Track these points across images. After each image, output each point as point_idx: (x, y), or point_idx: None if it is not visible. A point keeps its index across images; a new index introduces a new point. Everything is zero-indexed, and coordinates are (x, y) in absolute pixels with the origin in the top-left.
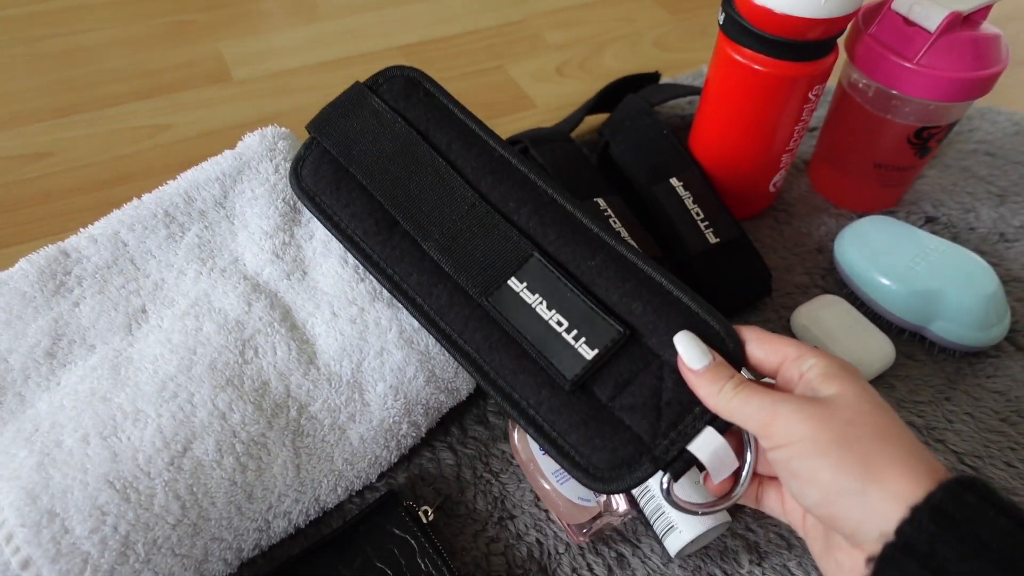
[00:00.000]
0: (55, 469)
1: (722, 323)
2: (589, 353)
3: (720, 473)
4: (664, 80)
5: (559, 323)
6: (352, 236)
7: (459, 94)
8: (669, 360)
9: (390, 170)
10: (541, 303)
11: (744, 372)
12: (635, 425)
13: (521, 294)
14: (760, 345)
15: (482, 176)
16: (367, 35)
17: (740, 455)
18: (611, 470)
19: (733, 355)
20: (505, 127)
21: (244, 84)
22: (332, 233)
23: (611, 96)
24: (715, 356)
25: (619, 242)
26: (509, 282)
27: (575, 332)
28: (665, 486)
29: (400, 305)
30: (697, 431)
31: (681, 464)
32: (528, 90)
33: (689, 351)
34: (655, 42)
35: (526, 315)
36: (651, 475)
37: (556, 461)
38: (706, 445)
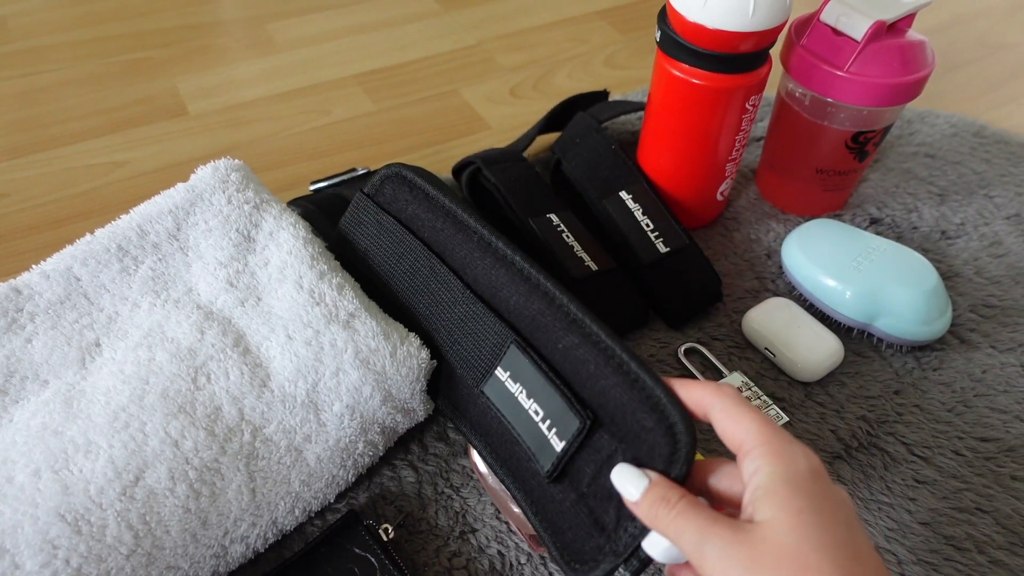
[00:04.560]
0: (5, 505)
1: (671, 403)
2: (558, 445)
3: (678, 565)
4: (614, 97)
5: (536, 412)
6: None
7: (415, 119)
8: (625, 449)
9: (396, 273)
10: (522, 392)
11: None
12: (601, 518)
13: (506, 383)
14: (724, 420)
15: (465, 262)
16: (324, 65)
17: None
18: (581, 561)
19: (682, 453)
20: (460, 149)
21: (200, 118)
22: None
23: (562, 115)
24: (652, 477)
25: (586, 319)
26: (496, 371)
27: (548, 422)
28: None
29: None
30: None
31: (637, 561)
32: (482, 112)
33: (622, 484)
34: (606, 61)
35: (512, 405)
36: (615, 568)
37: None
38: (657, 543)
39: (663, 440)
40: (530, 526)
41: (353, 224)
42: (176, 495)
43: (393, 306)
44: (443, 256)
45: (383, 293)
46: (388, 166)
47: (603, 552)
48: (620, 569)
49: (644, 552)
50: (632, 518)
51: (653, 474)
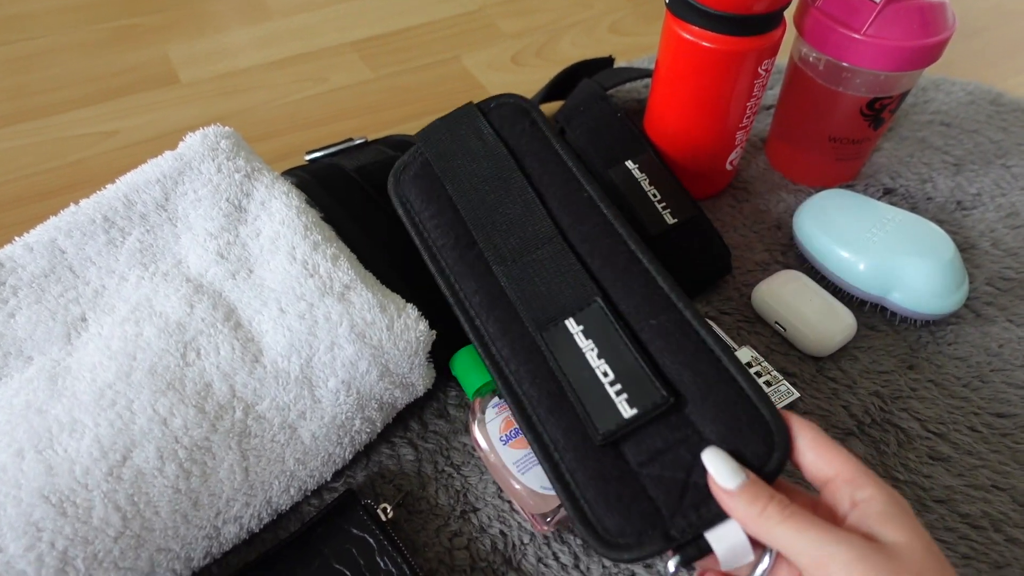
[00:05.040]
0: None
1: (772, 412)
2: (628, 411)
3: (730, 564)
4: (619, 64)
5: (605, 374)
6: (431, 246)
7: (414, 87)
8: (708, 437)
9: (480, 190)
10: (593, 350)
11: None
12: (657, 496)
13: (575, 336)
14: (815, 449)
15: (566, 213)
16: (320, 32)
17: (756, 550)
18: (621, 536)
19: (776, 455)
20: None
21: (193, 86)
22: (414, 239)
23: (566, 83)
24: (750, 474)
25: (687, 306)
26: (566, 322)
27: (619, 387)
28: (672, 569)
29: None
30: (720, 518)
31: (694, 550)
32: (484, 80)
33: (719, 468)
34: (611, 27)
35: (575, 358)
36: (660, 552)
37: (568, 513)
38: (726, 537)
39: (757, 442)
40: (534, 505)
41: (450, 127)
42: (165, 475)
43: (462, 223)
44: (542, 195)
45: (454, 204)
46: (511, 97)
47: (650, 533)
48: (661, 558)
49: (705, 542)
50: (699, 506)
51: (749, 472)
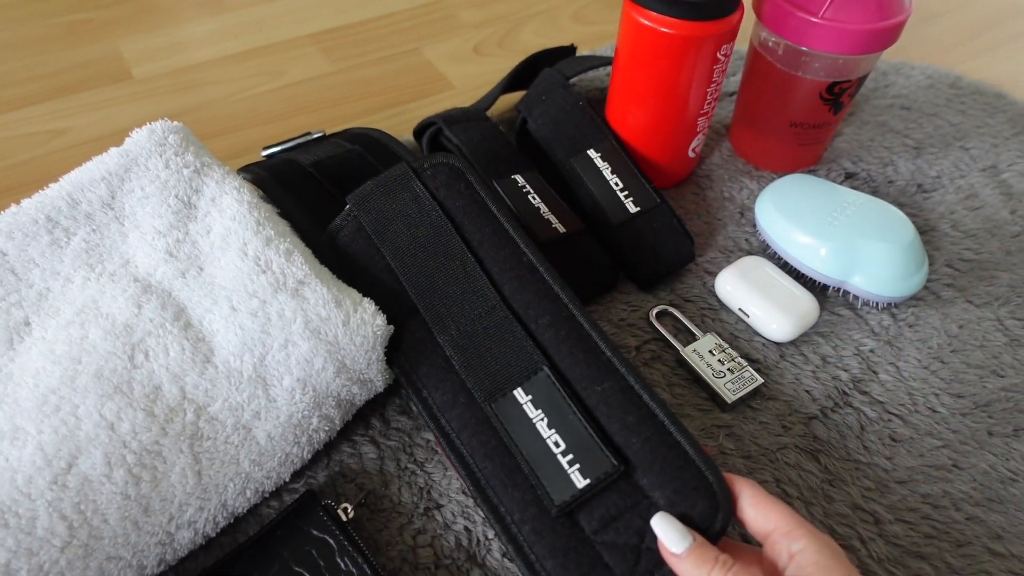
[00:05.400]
0: None
1: (716, 475)
2: (581, 482)
3: None
4: (582, 52)
5: (556, 444)
6: None
7: (374, 79)
8: (657, 502)
9: (419, 257)
10: (542, 420)
11: None
12: (613, 564)
13: (524, 407)
14: (754, 505)
15: (507, 279)
16: (277, 24)
17: None
18: None
19: (721, 516)
20: (422, 110)
21: (145, 82)
22: None
23: (527, 72)
24: (696, 536)
25: (630, 371)
26: (515, 392)
27: (570, 457)
28: None
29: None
30: None
31: None
32: (445, 71)
33: (668, 533)
34: (574, 16)
35: (526, 429)
36: None
37: None
38: None
39: (703, 504)
40: None
41: (384, 191)
42: (113, 481)
43: (402, 291)
44: (482, 261)
45: (388, 272)
46: (445, 159)
47: None
48: None
49: None
50: (653, 571)
51: (695, 533)
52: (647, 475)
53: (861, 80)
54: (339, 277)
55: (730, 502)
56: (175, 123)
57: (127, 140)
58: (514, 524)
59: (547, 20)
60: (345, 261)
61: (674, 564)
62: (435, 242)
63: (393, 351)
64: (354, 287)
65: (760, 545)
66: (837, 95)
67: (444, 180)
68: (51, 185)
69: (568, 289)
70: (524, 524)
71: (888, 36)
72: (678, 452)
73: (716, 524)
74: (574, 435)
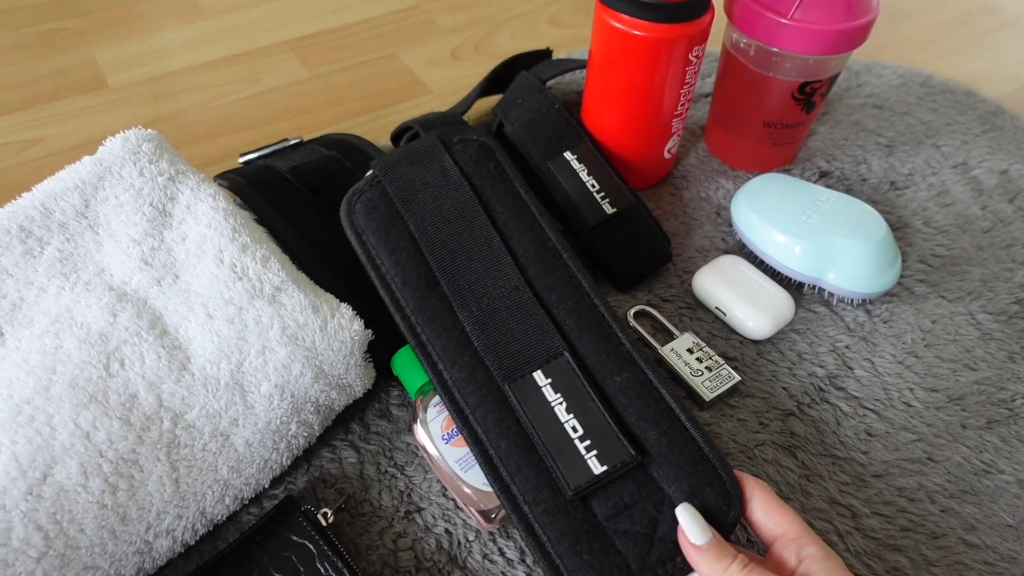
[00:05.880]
0: None
1: (729, 474)
2: (598, 467)
3: None
4: (558, 56)
5: (574, 429)
6: (390, 283)
7: (352, 85)
8: (671, 495)
9: (444, 230)
10: (561, 404)
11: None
12: (626, 551)
13: (543, 389)
14: (764, 509)
15: (532, 262)
16: (253, 31)
17: None
18: None
19: (732, 513)
20: (400, 115)
21: (121, 90)
22: (370, 275)
23: (504, 75)
24: (715, 533)
25: (647, 364)
26: (534, 374)
27: (588, 442)
28: None
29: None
30: (687, 572)
31: None
32: (423, 76)
33: (691, 525)
34: (551, 20)
35: (544, 412)
36: None
37: (540, 566)
38: None
39: (715, 500)
40: (478, 501)
41: (412, 160)
42: (90, 490)
43: (424, 262)
44: (507, 241)
45: (415, 241)
46: (476, 135)
47: None
48: None
49: None
50: (666, 562)
51: (714, 530)
52: (662, 467)
53: (832, 80)
54: (352, 244)
55: (741, 501)
56: (149, 131)
57: (100, 149)
58: (526, 504)
59: (524, 24)
60: (362, 227)
61: (693, 556)
62: (461, 216)
63: (410, 323)
64: (370, 255)
65: (763, 551)
66: (809, 95)
67: (473, 156)
68: (23, 195)
69: (590, 278)
70: (537, 505)
71: (856, 36)
72: (693, 447)
73: (727, 522)
74: (592, 421)
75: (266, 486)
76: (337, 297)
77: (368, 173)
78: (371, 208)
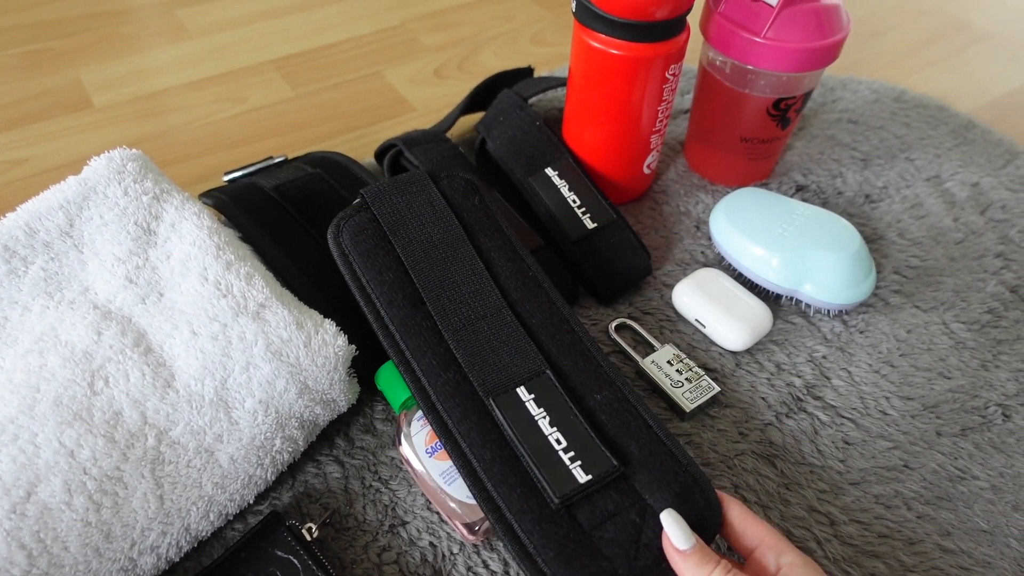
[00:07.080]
0: None
1: (706, 484)
2: (583, 476)
3: None
4: (541, 74)
5: (558, 441)
6: (375, 302)
7: (336, 103)
8: (652, 505)
9: (431, 254)
10: (544, 418)
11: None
12: (613, 558)
13: (527, 404)
14: (742, 522)
15: (514, 288)
16: (238, 50)
17: None
18: None
19: (710, 522)
20: (384, 133)
21: (106, 110)
22: (356, 295)
23: (486, 93)
24: (698, 539)
25: (624, 385)
26: (518, 390)
27: (572, 454)
28: None
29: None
30: None
31: None
32: (406, 94)
33: (675, 530)
34: (533, 38)
35: (527, 425)
36: None
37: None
38: None
39: (694, 513)
40: (462, 514)
41: (400, 190)
42: (74, 508)
43: (410, 283)
44: (490, 268)
45: (402, 264)
46: (463, 173)
47: None
48: None
49: None
50: (652, 568)
51: (696, 535)
52: (643, 478)
53: (806, 96)
54: (337, 266)
55: (718, 513)
56: (133, 151)
57: (85, 168)
58: (512, 515)
59: (506, 42)
60: (349, 249)
61: (676, 561)
62: (447, 243)
63: (394, 340)
64: (356, 275)
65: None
66: (784, 111)
67: (460, 190)
68: (8, 215)
69: (568, 307)
70: (524, 515)
71: (827, 54)
72: (672, 460)
73: (707, 530)
74: (575, 434)
75: (251, 502)
76: (321, 313)
77: (356, 200)
78: (359, 232)
